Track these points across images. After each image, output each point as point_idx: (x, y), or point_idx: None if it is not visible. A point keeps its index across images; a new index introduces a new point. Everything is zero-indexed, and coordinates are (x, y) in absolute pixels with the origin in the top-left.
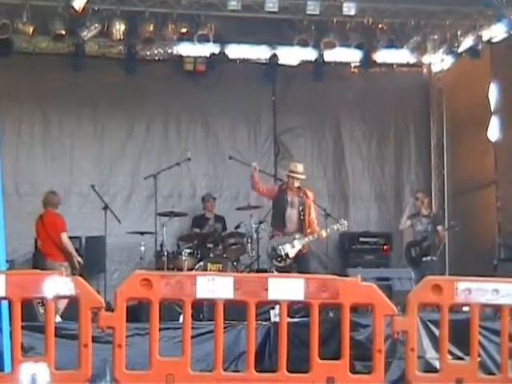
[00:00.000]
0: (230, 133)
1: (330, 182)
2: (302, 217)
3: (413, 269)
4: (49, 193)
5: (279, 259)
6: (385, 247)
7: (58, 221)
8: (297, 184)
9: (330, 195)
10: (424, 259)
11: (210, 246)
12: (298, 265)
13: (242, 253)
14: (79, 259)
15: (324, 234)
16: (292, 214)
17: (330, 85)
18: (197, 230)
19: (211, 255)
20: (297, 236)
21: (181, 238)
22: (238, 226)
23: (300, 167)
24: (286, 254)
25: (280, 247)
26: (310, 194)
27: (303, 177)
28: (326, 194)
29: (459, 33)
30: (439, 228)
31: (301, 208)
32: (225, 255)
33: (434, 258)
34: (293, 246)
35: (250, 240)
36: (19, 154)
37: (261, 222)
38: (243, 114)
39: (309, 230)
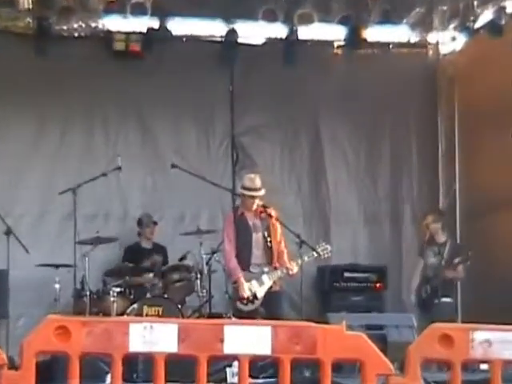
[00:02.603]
0: (173, 133)
1: (305, 199)
2: (268, 243)
3: (423, 313)
4: None
5: (245, 301)
6: (377, 285)
7: None
8: (255, 204)
9: (305, 217)
10: (436, 301)
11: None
12: (267, 308)
13: (189, 292)
14: None
15: (295, 268)
16: (257, 240)
17: (305, 71)
18: (130, 264)
19: (148, 295)
20: (265, 269)
21: (108, 273)
22: (183, 257)
23: (257, 181)
24: (254, 295)
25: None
26: (272, 212)
27: (262, 193)
28: (301, 215)
29: (475, 3)
30: (457, 261)
31: (266, 232)
32: (166, 295)
33: (449, 299)
34: (261, 283)
35: (199, 275)
36: None
37: (214, 252)
38: (191, 108)
39: (277, 262)
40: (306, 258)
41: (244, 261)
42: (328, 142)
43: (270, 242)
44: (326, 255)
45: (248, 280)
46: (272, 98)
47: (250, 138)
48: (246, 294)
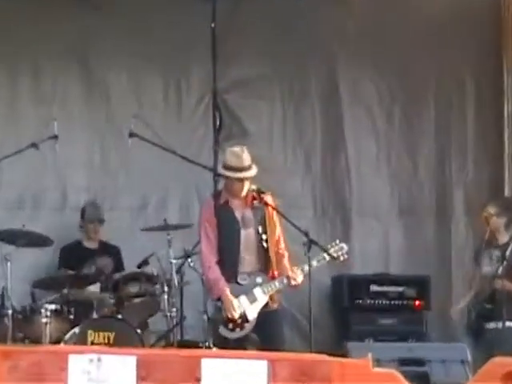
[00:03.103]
0: (131, 88)
1: (316, 181)
2: (263, 243)
3: (474, 342)
4: None
5: (231, 325)
6: (417, 303)
7: None
8: (245, 189)
9: (316, 207)
10: (489, 326)
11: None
12: (261, 334)
13: (153, 311)
14: None
15: (300, 276)
16: (248, 239)
17: (316, 3)
18: (68, 272)
19: (94, 315)
20: (258, 280)
21: (38, 284)
22: (144, 263)
23: (244, 156)
24: (243, 315)
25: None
26: (269, 199)
27: (253, 173)
28: (310, 205)
29: None
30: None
31: (260, 227)
32: (120, 316)
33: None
34: (253, 300)
35: (166, 288)
36: None
37: (187, 256)
38: (156, 53)
39: (276, 269)
40: (315, 263)
41: (229, 268)
42: (349, 101)
43: (266, 240)
44: (341, 257)
45: (235, 295)
46: (269, 40)
47: (239, 95)
48: (235, 314)
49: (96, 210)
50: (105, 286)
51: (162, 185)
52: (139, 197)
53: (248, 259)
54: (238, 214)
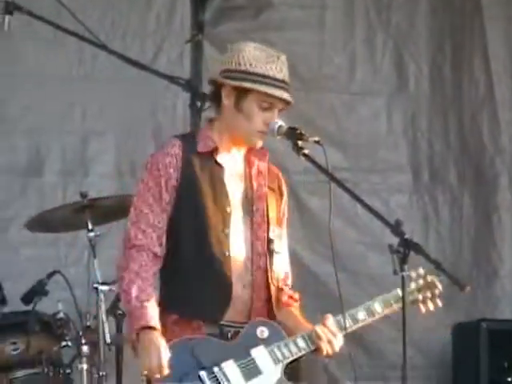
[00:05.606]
0: None
1: (419, 114)
2: (275, 251)
3: None
4: None
5: None
6: None
7: None
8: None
9: (419, 166)
10: None
11: None
12: None
13: None
14: None
15: (337, 331)
16: (245, 236)
17: None
18: None
19: None
20: (262, 332)
21: None
22: (37, 291)
23: (283, 59)
24: None
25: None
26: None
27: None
28: (406, 163)
29: None
30: None
31: (272, 215)
32: None
33: None
34: (253, 374)
35: (86, 348)
36: None
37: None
38: None
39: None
40: (411, 297)
41: (197, 293)
42: None
43: (270, 255)
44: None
45: (211, 362)
46: None
47: None
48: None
49: None
50: None
51: (75, 123)
52: (25, 148)
53: (236, 300)
54: (230, 181)
